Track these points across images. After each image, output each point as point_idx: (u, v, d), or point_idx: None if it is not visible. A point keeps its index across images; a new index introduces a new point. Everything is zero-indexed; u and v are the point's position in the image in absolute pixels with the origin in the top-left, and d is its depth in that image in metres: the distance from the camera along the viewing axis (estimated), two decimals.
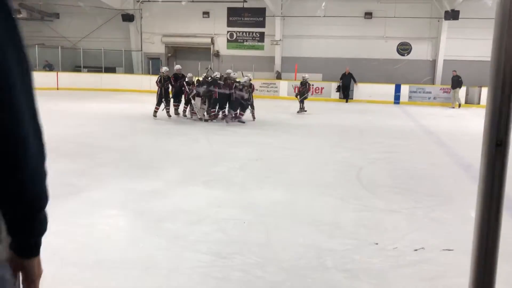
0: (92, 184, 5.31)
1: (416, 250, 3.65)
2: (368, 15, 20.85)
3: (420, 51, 20.80)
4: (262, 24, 22.02)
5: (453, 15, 18.34)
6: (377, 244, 3.75)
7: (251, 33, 22.39)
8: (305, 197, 5.16)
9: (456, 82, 18.07)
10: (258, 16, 21.86)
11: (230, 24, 22.36)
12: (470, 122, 13.02)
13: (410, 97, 19.40)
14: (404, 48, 21.07)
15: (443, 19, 19.08)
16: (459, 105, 18.09)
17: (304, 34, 21.49)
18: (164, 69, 12.39)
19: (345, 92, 19.52)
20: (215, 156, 7.38)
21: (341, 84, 19.60)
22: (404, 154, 8.15)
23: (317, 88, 20.23)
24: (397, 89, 19.44)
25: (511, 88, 0.78)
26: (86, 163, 6.41)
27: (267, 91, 20.60)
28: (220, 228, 3.97)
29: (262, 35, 22.24)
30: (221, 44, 22.83)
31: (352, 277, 3.18)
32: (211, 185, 5.45)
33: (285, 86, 20.49)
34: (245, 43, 22.51)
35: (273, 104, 17.33)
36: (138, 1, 22.59)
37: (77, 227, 3.92)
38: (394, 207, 4.83)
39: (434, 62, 20.63)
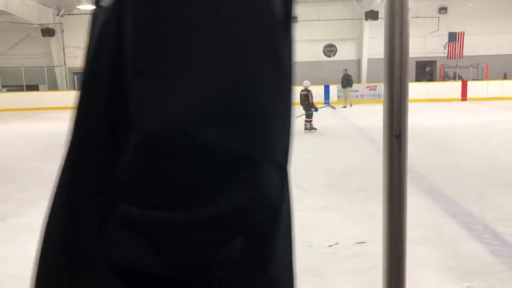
0: (17, 209, 4.98)
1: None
2: (293, 18, 21.36)
3: (345, 52, 21.62)
4: None
5: (372, 15, 19.24)
6: (312, 245, 3.81)
7: None
8: None
9: (347, 81, 18.54)
10: None
11: None
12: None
13: (338, 96, 20.08)
14: (330, 50, 21.80)
15: (364, 19, 19.97)
16: (351, 104, 18.43)
17: None
18: None
19: None
20: None
21: None
22: (337, 152, 8.39)
23: None
24: (326, 89, 20.06)
25: (403, 82, 0.80)
26: (10, 187, 6.01)
27: None
28: None
29: None
30: None
31: None
32: None
33: None
34: None
35: None
36: (58, 15, 21.67)
37: (1, 257, 3.65)
38: (329, 205, 4.94)
39: (359, 62, 21.51)
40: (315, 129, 11.20)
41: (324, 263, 3.42)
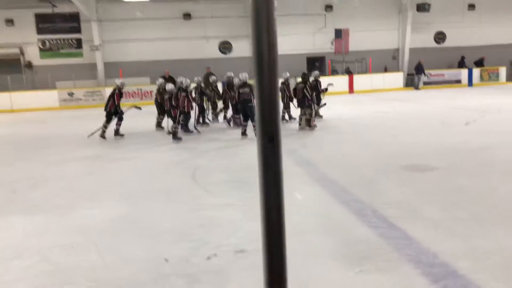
0: None
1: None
2: (187, 16, 21.15)
3: (241, 49, 21.88)
4: (77, 30, 20.62)
5: None
6: (213, 243, 3.79)
7: (66, 40, 20.80)
8: (142, 207, 4.96)
9: (207, 80, 17.80)
10: (71, 21, 20.41)
11: (40, 31, 20.41)
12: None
13: None
14: (225, 47, 21.93)
15: None
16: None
17: (126, 38, 20.83)
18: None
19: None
20: (34, 178, 6.63)
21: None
22: (236, 148, 8.46)
23: (146, 92, 19.83)
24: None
25: (273, 89, 0.79)
26: None
27: (93, 100, 19.45)
28: (43, 259, 3.55)
29: (79, 41, 20.84)
30: (32, 54, 20.73)
31: (193, 281, 3.14)
32: (30, 212, 4.85)
33: None
34: (61, 50, 20.82)
35: (100, 113, 16.40)
36: None
37: None
38: (230, 201, 4.95)
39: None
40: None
41: (224, 261, 3.41)
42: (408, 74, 22.08)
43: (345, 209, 4.57)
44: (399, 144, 7.98)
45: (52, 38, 20.63)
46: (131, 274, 3.26)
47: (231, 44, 21.93)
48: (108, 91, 19.85)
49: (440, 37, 23.38)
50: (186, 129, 10.48)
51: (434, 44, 23.33)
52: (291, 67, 19.77)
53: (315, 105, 10.47)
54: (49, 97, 19.13)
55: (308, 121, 10.23)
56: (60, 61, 20.67)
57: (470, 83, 21.87)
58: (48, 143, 9.98)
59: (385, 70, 22.44)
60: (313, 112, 10.33)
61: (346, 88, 21.16)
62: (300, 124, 10.42)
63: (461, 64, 22.17)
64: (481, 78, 22.16)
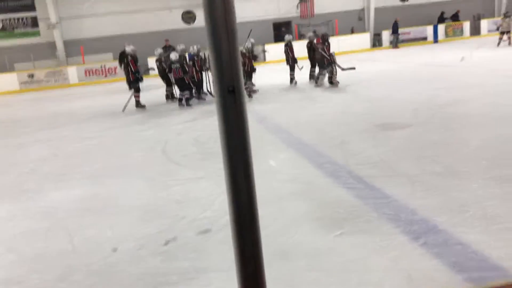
0: None
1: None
2: None
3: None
4: (31, 7, 19.61)
5: None
6: (185, 219, 3.66)
7: (20, 19, 19.78)
8: (111, 186, 4.77)
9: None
10: None
11: None
12: (274, 79, 13.67)
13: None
14: (189, 17, 21.29)
15: None
16: None
17: (84, 13, 19.91)
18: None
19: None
20: None
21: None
22: (206, 119, 8.26)
23: (110, 69, 19.19)
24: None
25: (231, 37, 0.65)
26: None
27: (55, 80, 18.70)
28: (10, 248, 3.36)
29: (34, 19, 19.86)
30: None
31: (169, 259, 3.02)
32: None
33: (74, 72, 18.89)
34: (15, 30, 19.81)
35: (63, 93, 15.86)
36: None
37: None
38: (202, 174, 4.82)
39: None
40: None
41: (200, 236, 3.30)
42: (374, 34, 22.00)
43: (320, 172, 4.50)
44: (370, 103, 7.94)
45: (4, 17, 19.57)
46: (103, 258, 3.11)
47: (194, 14, 21.30)
48: (70, 69, 19.26)
49: None
50: (198, 96, 10.62)
51: (399, 3, 23.23)
52: (257, 33, 19.39)
53: (334, 64, 10.55)
54: (8, 80, 18.27)
55: (330, 79, 10.59)
56: (16, 42, 19.68)
57: (435, 39, 21.99)
58: (12, 127, 9.55)
59: (352, 31, 22.30)
60: (334, 70, 10.53)
61: None
62: (316, 82, 10.88)
63: (441, 20, 22.37)
64: (446, 34, 22.30)
